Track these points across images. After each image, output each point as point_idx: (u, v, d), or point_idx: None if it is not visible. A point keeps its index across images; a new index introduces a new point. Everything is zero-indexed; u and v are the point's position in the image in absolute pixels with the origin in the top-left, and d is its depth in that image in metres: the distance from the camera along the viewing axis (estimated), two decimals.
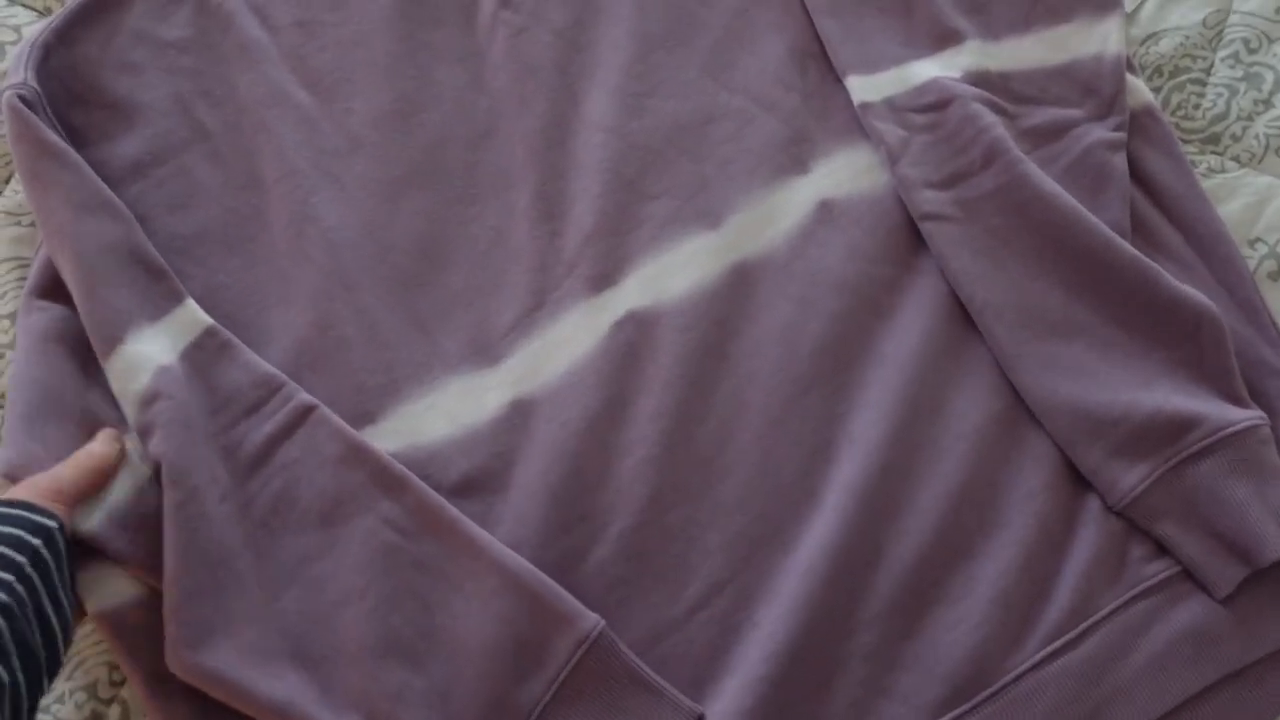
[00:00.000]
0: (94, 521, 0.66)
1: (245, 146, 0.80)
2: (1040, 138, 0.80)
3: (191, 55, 0.82)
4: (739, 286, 0.77)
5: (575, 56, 0.84)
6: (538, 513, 0.71)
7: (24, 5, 0.88)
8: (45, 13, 0.88)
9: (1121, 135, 0.79)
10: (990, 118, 0.79)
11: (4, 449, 0.69)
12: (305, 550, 0.69)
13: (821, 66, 0.84)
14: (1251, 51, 0.87)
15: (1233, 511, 0.69)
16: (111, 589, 0.68)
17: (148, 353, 0.71)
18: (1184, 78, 0.87)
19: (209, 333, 0.73)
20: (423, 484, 0.70)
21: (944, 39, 0.83)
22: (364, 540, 0.68)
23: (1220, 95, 0.87)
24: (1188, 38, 0.88)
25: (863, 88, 0.82)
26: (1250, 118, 0.86)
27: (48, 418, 0.70)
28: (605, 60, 0.83)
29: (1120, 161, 0.79)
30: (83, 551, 0.67)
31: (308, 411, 0.71)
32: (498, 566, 0.67)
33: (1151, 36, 0.88)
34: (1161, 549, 0.71)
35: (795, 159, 0.81)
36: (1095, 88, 0.81)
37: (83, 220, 0.73)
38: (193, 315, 0.73)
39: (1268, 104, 0.86)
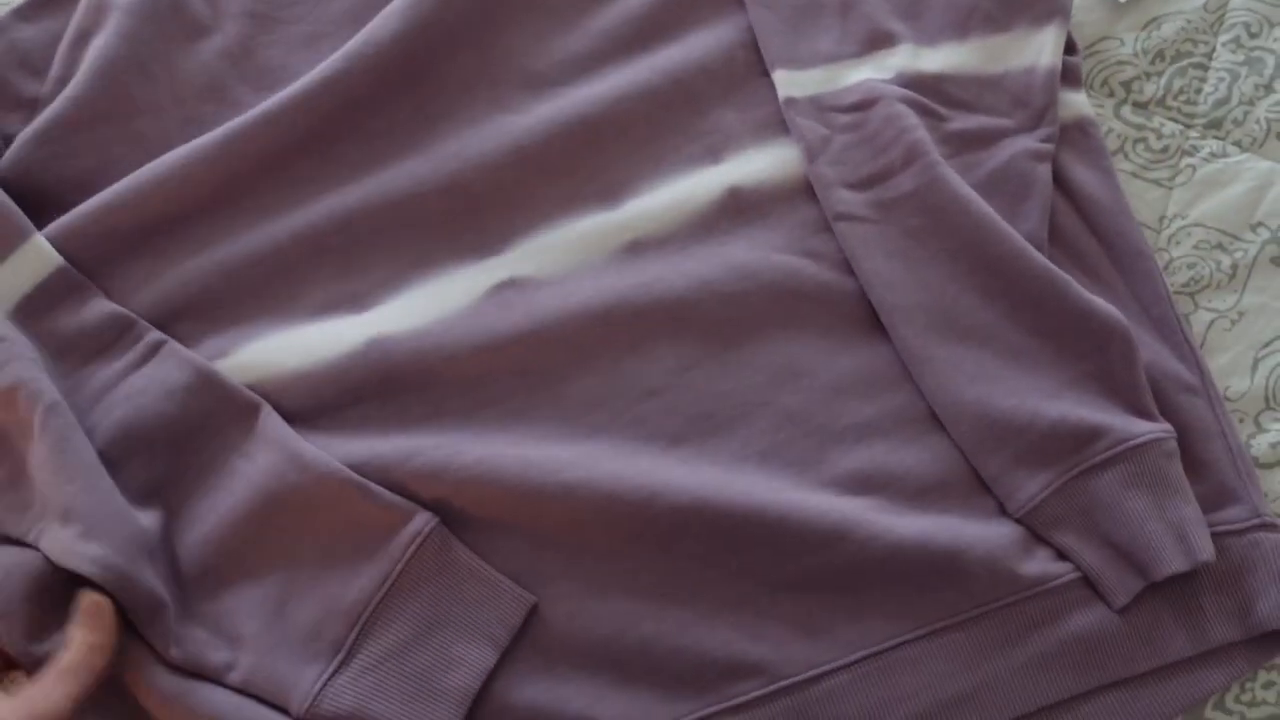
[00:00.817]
0: None
1: (168, 131, 0.79)
2: (966, 143, 0.79)
3: (136, 22, 0.80)
4: (630, 262, 0.76)
5: (498, 39, 0.82)
6: (387, 446, 0.70)
7: None
8: None
9: (1048, 146, 0.78)
10: (913, 119, 0.77)
11: None
12: (154, 479, 0.69)
13: (751, 58, 0.83)
14: (1253, 36, 0.87)
15: (1130, 524, 0.68)
16: None
17: None
18: (1186, 62, 0.86)
19: (60, 272, 0.73)
20: (269, 411, 0.70)
21: (877, 41, 0.82)
22: (214, 469, 0.69)
23: (1222, 80, 0.86)
24: (1189, 22, 0.87)
25: (789, 83, 0.80)
26: (1251, 102, 0.85)
27: None
28: (525, 47, 0.82)
29: (1044, 172, 0.77)
30: None
31: (158, 346, 0.71)
32: (331, 479, 0.67)
33: (1153, 20, 0.88)
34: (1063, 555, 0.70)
35: (708, 149, 0.80)
36: (1026, 100, 0.80)
37: None
38: (40, 252, 0.73)
39: (1269, 89, 0.85)
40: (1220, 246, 0.81)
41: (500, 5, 0.83)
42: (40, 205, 0.76)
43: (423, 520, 0.67)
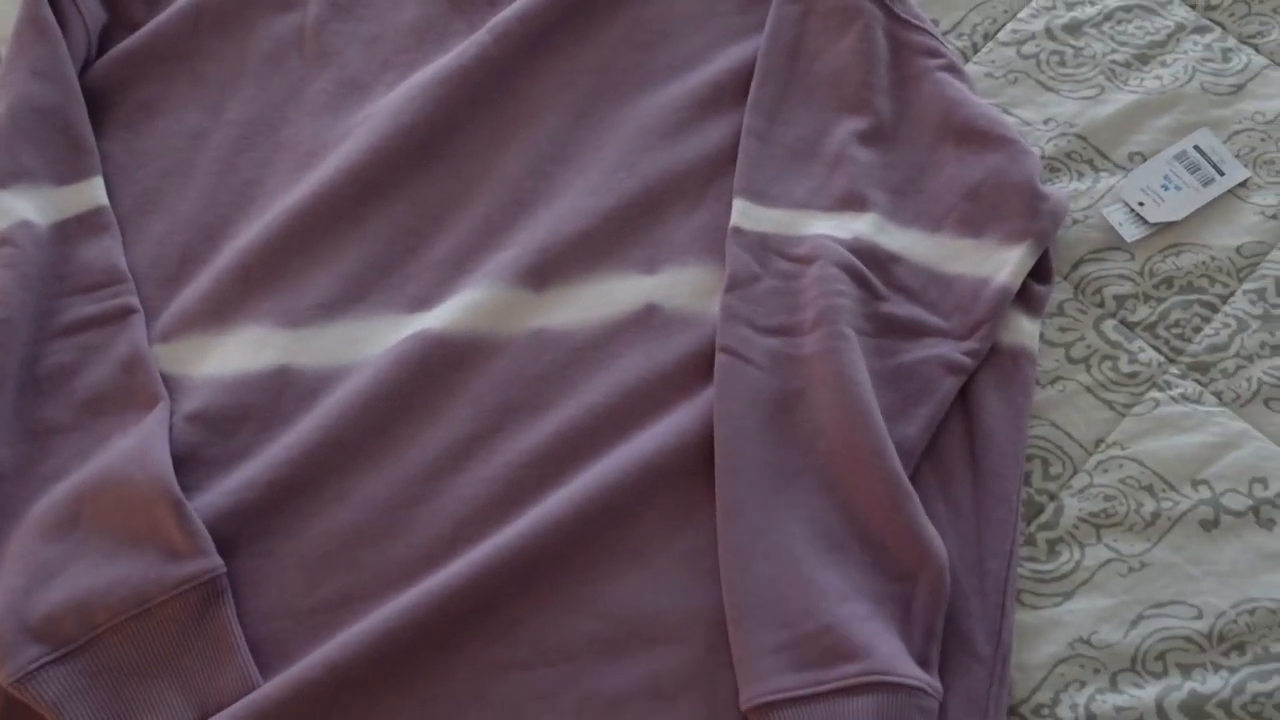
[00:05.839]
0: None
1: (224, 79, 0.88)
2: (889, 329, 0.76)
3: None
4: (530, 349, 0.77)
5: (512, 103, 0.86)
6: (249, 472, 0.72)
7: None
8: None
9: (968, 361, 0.75)
10: (842, 285, 0.75)
11: None
12: (55, 423, 0.74)
13: (727, 183, 0.82)
14: None
15: None
16: None
17: (20, 206, 0.78)
18: (1194, 297, 0.81)
19: (97, 211, 0.80)
20: (164, 406, 0.73)
21: (850, 202, 0.80)
22: (97, 441, 0.72)
23: (1228, 326, 0.80)
24: (1213, 259, 0.82)
25: (745, 213, 0.79)
26: (1251, 359, 0.79)
27: None
28: (537, 120, 0.85)
29: (950, 385, 0.74)
30: None
31: (127, 313, 0.77)
32: (159, 485, 0.68)
33: (1173, 247, 0.83)
34: None
35: (650, 259, 0.80)
36: (967, 308, 0.76)
37: (31, 81, 0.82)
38: (91, 193, 0.81)
39: (1276, 350, 0.80)
40: (1149, 490, 0.75)
41: (515, 99, 0.86)
42: (106, 119, 0.85)
43: (205, 565, 0.67)
